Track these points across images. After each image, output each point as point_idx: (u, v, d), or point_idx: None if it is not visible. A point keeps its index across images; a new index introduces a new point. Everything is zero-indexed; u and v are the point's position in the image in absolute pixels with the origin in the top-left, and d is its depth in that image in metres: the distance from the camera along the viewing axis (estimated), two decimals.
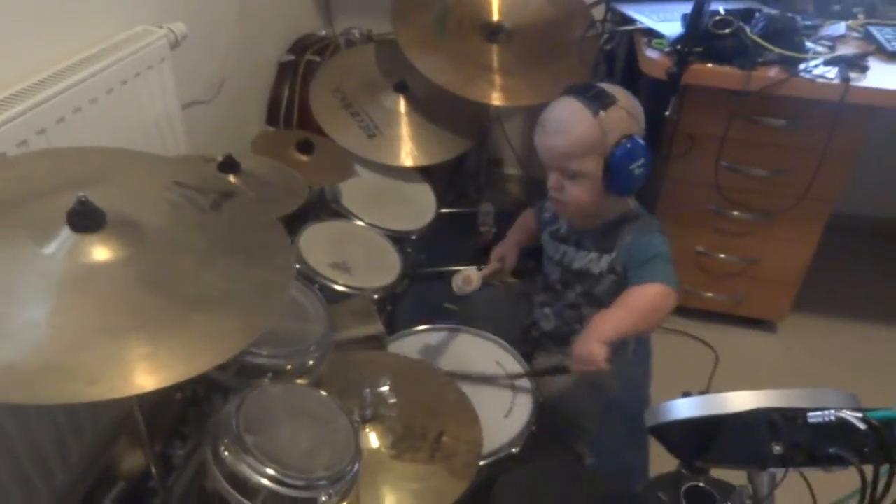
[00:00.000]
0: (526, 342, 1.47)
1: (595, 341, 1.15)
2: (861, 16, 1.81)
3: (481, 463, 1.16)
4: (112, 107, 1.23)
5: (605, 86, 1.29)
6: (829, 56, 1.60)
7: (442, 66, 1.76)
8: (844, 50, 1.65)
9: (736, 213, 1.85)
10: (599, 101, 1.23)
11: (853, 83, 1.51)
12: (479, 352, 1.39)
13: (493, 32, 1.84)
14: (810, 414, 0.75)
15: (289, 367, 1.01)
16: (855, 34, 1.75)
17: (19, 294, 0.72)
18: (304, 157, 1.51)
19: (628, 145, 1.23)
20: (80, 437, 1.29)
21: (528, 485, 1.04)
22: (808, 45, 1.63)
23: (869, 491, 0.72)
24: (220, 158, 1.22)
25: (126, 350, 0.70)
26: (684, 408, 0.80)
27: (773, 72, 1.55)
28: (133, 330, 0.73)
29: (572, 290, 1.44)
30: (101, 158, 0.99)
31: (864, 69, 1.56)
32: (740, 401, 0.77)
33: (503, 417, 1.26)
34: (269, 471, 0.81)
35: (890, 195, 2.45)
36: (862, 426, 0.71)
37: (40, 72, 1.12)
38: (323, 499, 0.83)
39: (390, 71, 1.86)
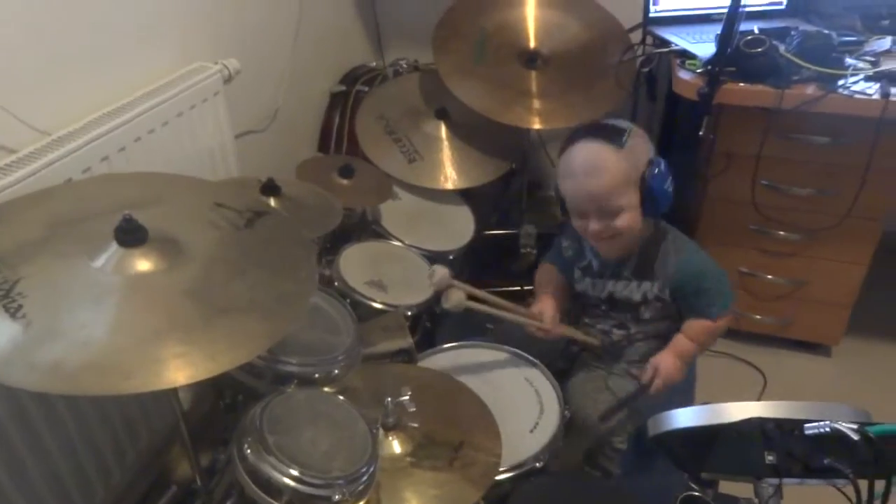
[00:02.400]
0: (563, 358, 1.49)
1: (665, 367, 1.34)
2: None
3: (505, 475, 1.19)
4: (169, 137, 1.35)
5: (608, 120, 1.33)
6: (870, 72, 1.57)
7: (480, 93, 1.82)
8: (890, 65, 1.61)
9: (781, 233, 1.83)
10: (617, 135, 1.26)
11: (894, 98, 1.48)
12: (508, 369, 1.42)
13: (530, 59, 1.89)
14: (807, 425, 0.75)
15: (316, 375, 1.07)
16: None
17: (71, 300, 0.82)
18: (344, 181, 1.60)
19: (658, 167, 1.27)
20: (136, 443, 1.40)
21: (544, 496, 1.06)
22: (850, 61, 1.61)
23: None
24: (262, 181, 1.31)
25: (160, 349, 0.79)
26: (684, 417, 0.82)
27: (810, 89, 1.54)
28: (168, 332, 0.81)
29: (618, 314, 1.45)
30: (153, 183, 1.10)
31: None
32: (736, 410, 0.78)
33: (528, 432, 1.28)
34: (289, 469, 0.87)
35: None
36: (856, 437, 0.71)
37: (105, 105, 1.25)
38: (337, 497, 0.88)
39: (432, 98, 1.94)
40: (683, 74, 1.63)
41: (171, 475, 1.61)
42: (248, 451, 0.88)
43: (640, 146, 1.28)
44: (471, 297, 1.30)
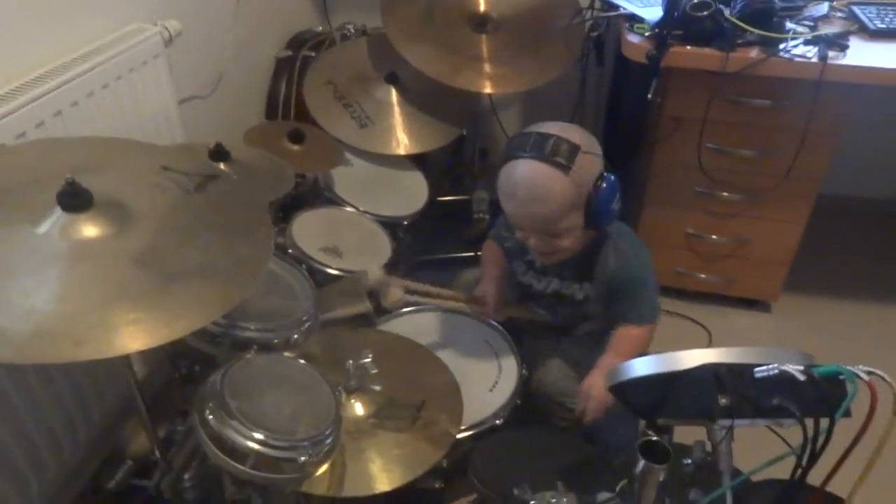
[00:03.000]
0: (516, 326, 1.51)
1: (595, 390, 1.25)
2: None
3: (467, 433, 1.22)
4: (108, 101, 1.29)
5: (553, 128, 1.21)
6: (809, 36, 1.62)
7: (431, 57, 1.81)
8: (827, 30, 1.67)
9: (725, 193, 1.88)
10: (564, 158, 1.16)
11: (832, 62, 1.54)
12: (467, 330, 1.44)
13: (480, 23, 1.88)
14: (757, 369, 0.78)
15: (275, 340, 1.06)
16: (839, 14, 1.78)
17: (14, 269, 0.78)
18: (295, 147, 1.56)
19: (603, 186, 1.20)
20: (88, 417, 1.35)
21: (504, 449, 1.09)
22: (790, 25, 1.65)
23: (809, 444, 0.76)
24: (210, 147, 1.27)
25: (112, 316, 0.76)
26: (641, 366, 0.85)
27: (753, 52, 1.58)
28: (119, 298, 0.78)
29: (564, 307, 1.45)
30: (95, 147, 1.05)
31: (843, 48, 1.59)
32: (690, 358, 0.81)
33: (488, 391, 1.31)
34: (253, 433, 0.86)
35: (875, 175, 2.46)
36: (802, 378, 0.75)
37: (38, 68, 1.19)
38: (302, 459, 0.88)
39: (382, 63, 1.91)
40: (632, 38, 1.65)
41: (125, 450, 1.58)
42: (211, 416, 0.87)
43: (589, 164, 1.19)
44: (409, 291, 1.29)
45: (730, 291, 2.09)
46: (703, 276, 2.07)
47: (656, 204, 1.97)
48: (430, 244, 2.05)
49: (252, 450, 0.87)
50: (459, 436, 1.18)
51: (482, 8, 1.88)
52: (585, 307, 1.41)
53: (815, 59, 1.55)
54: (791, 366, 0.77)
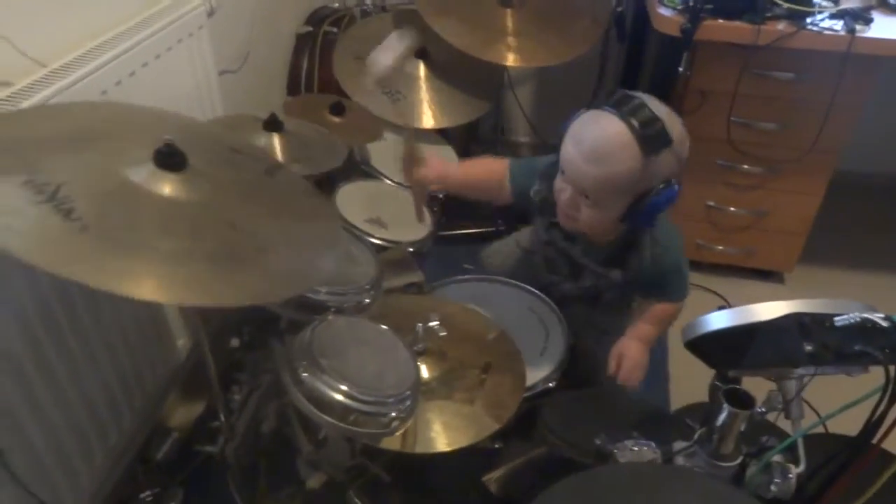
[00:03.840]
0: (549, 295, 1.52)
1: (631, 356, 1.29)
2: None
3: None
4: (161, 72, 1.29)
5: (661, 110, 1.10)
6: (834, 9, 1.67)
7: (459, 31, 1.82)
8: (849, 4, 1.71)
9: (746, 166, 1.93)
10: (655, 143, 1.07)
11: (859, 34, 1.58)
12: (513, 299, 1.47)
13: None
14: (837, 318, 0.83)
15: (347, 304, 1.08)
16: None
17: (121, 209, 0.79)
18: (336, 119, 1.57)
19: (668, 194, 1.11)
20: (131, 400, 1.33)
21: (573, 406, 1.13)
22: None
23: (891, 387, 0.80)
24: (264, 117, 1.28)
25: (216, 271, 0.79)
26: (718, 320, 0.89)
27: (782, 25, 1.62)
28: (220, 257, 0.80)
29: (584, 279, 1.38)
30: (164, 122, 1.06)
31: (868, 21, 1.63)
32: (772, 309, 0.85)
33: (538, 356, 1.34)
34: (345, 387, 0.89)
35: (892, 151, 2.53)
36: (885, 324, 0.79)
37: (98, 36, 1.18)
38: (392, 414, 0.91)
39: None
40: (664, 11, 1.68)
41: (169, 422, 1.60)
42: (305, 374, 0.89)
43: (670, 164, 1.10)
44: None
45: (746, 263, 2.15)
46: (720, 247, 2.12)
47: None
48: (450, 220, 2.07)
49: (344, 405, 0.89)
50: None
51: None
52: (609, 285, 1.36)
53: (843, 32, 1.59)
54: (874, 314, 0.81)
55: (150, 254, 0.75)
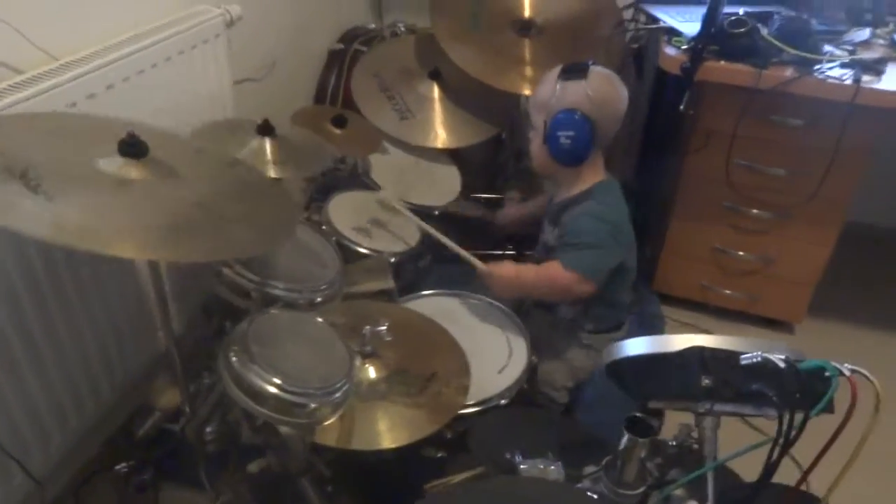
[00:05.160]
0: (519, 313, 1.56)
1: (500, 268, 1.45)
2: (893, 24, 1.84)
3: (472, 410, 1.28)
4: (171, 73, 1.40)
5: (601, 70, 1.42)
6: (847, 59, 1.65)
7: (474, 58, 1.88)
8: (867, 55, 1.69)
9: (754, 210, 1.90)
10: (570, 73, 1.38)
11: (865, 85, 1.56)
12: (483, 316, 1.51)
13: (524, 28, 1.95)
14: (743, 356, 0.83)
15: (300, 300, 1.14)
16: (880, 41, 1.79)
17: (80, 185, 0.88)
18: (337, 131, 1.66)
19: (562, 115, 1.37)
20: (111, 374, 1.43)
21: (504, 424, 1.15)
22: (828, 48, 1.68)
23: (784, 432, 0.79)
24: (258, 122, 1.37)
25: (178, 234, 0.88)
26: (634, 346, 0.90)
27: (788, 71, 1.61)
28: (184, 229, 0.89)
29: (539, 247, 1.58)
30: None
31: (879, 73, 1.61)
32: (681, 341, 0.86)
33: (497, 373, 1.36)
34: (269, 375, 0.94)
35: None
36: (783, 366, 0.79)
37: (112, 37, 1.30)
38: (313, 405, 0.96)
39: (427, 60, 1.99)
40: (669, 50, 1.70)
41: (155, 403, 1.69)
42: (234, 359, 0.95)
43: (577, 94, 1.37)
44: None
45: (753, 309, 2.11)
46: (727, 291, 2.09)
47: (684, 217, 2.01)
48: (461, 238, 2.11)
49: (267, 391, 0.94)
50: (465, 411, 1.24)
51: (527, 13, 1.95)
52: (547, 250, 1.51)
53: (848, 82, 1.57)
54: (774, 355, 0.81)
55: (114, 217, 0.84)
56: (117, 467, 1.49)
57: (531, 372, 1.39)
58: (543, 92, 1.42)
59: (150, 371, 1.62)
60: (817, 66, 1.61)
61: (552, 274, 1.39)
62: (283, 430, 0.98)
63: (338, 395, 1.01)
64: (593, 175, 1.46)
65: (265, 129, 1.37)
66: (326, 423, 1.01)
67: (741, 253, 2.00)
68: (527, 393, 1.36)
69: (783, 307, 2.08)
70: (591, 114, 1.37)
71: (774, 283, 2.02)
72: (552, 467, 0.93)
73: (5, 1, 1.11)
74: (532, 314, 1.57)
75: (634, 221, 1.49)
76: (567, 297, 1.45)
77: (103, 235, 0.82)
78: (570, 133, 1.37)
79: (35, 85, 1.10)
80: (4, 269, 1.10)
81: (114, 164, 0.92)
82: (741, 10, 1.67)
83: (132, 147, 0.92)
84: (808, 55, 1.60)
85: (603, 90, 1.39)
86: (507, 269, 1.45)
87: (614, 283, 1.45)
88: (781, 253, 1.96)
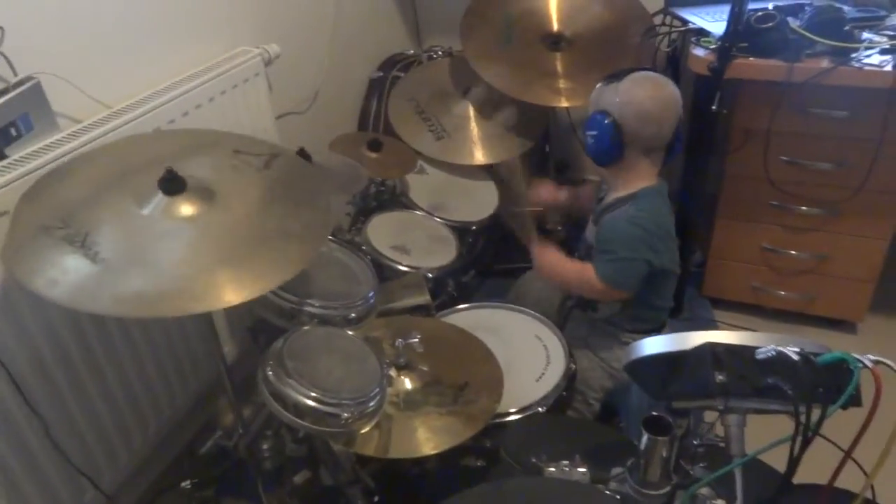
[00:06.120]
0: (560, 313, 1.58)
1: (543, 254, 1.52)
2: None
3: (510, 418, 1.30)
4: (214, 113, 1.50)
5: (638, 74, 1.42)
6: (887, 45, 1.60)
7: (505, 74, 1.92)
8: None
9: (803, 208, 1.85)
10: (609, 78, 1.45)
11: None
12: (519, 324, 1.53)
13: (554, 42, 1.97)
14: (758, 350, 0.82)
15: (336, 316, 1.20)
16: None
17: (136, 243, 0.97)
18: (372, 155, 1.73)
19: (592, 116, 1.43)
20: (185, 387, 1.55)
21: (539, 430, 1.16)
22: (867, 35, 1.64)
23: (802, 426, 0.77)
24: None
25: (216, 276, 0.94)
26: (650, 345, 0.90)
27: (823, 63, 1.58)
28: (219, 263, 0.96)
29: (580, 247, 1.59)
30: (180, 138, 1.25)
31: None
32: (696, 338, 0.86)
33: (534, 381, 1.38)
34: (304, 388, 1.00)
35: None
36: (797, 359, 0.78)
37: (158, 84, 1.42)
38: (346, 415, 1.01)
39: (461, 81, 2.05)
40: (697, 51, 1.69)
41: (218, 421, 1.78)
42: (271, 373, 1.02)
43: (609, 98, 1.42)
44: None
45: (811, 310, 2.04)
46: (782, 292, 2.03)
47: (729, 217, 1.97)
48: (503, 252, 2.14)
49: (303, 404, 1.00)
50: (503, 420, 1.27)
51: (556, 28, 1.98)
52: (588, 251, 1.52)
53: (888, 68, 1.52)
54: (789, 349, 0.80)
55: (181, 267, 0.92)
56: (182, 484, 1.59)
57: (570, 379, 1.40)
58: (590, 97, 1.49)
59: (212, 392, 1.72)
60: (854, 55, 1.56)
61: (587, 277, 1.43)
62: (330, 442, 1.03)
63: (371, 404, 1.05)
64: (639, 179, 1.45)
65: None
66: (362, 431, 1.06)
67: (793, 252, 1.95)
68: (564, 399, 1.37)
69: (842, 306, 2.01)
70: (617, 115, 1.39)
71: (831, 281, 1.95)
72: (577, 469, 0.94)
73: (62, 59, 1.23)
74: (573, 314, 1.59)
75: (680, 224, 1.49)
76: (604, 298, 1.49)
77: (186, 296, 0.90)
78: (594, 133, 1.42)
79: (89, 132, 1.22)
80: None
81: (160, 207, 1.01)
82: (770, 5, 1.65)
83: (172, 183, 1.00)
84: (845, 44, 1.56)
85: (630, 92, 1.40)
86: (550, 257, 1.51)
87: (653, 286, 1.45)
88: (835, 249, 1.89)
